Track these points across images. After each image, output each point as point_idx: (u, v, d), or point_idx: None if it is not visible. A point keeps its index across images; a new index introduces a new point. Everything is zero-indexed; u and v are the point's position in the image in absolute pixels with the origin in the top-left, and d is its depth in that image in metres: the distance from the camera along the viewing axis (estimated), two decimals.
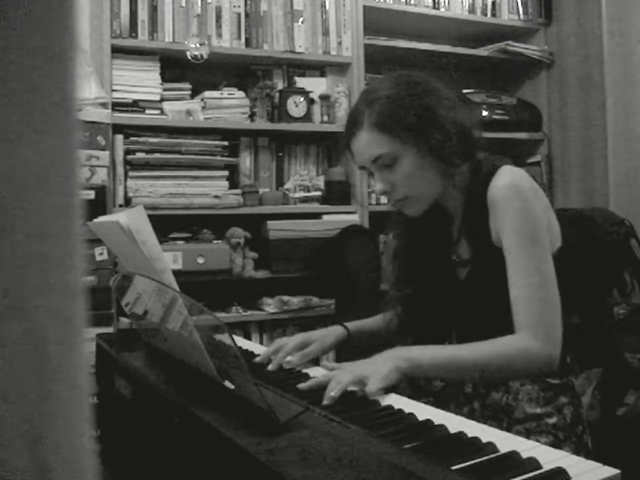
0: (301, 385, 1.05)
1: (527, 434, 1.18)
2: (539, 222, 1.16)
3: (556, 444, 1.16)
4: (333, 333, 1.36)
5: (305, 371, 1.21)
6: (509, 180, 1.17)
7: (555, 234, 1.22)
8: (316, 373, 1.17)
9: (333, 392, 0.97)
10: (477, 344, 1.12)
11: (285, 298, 2.48)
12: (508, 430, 1.19)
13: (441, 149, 1.19)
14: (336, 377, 1.02)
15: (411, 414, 0.91)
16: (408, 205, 1.25)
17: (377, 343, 1.49)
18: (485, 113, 2.89)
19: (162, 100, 2.44)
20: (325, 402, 0.96)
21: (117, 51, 2.34)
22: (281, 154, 2.70)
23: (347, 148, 1.28)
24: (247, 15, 2.56)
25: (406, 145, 1.19)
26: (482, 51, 3.02)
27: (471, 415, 1.25)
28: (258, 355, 1.31)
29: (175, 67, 2.52)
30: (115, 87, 2.34)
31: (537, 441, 1.14)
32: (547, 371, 1.11)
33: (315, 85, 2.70)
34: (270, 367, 1.23)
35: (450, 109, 1.21)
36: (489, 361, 1.09)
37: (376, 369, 1.03)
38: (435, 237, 1.34)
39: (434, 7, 2.89)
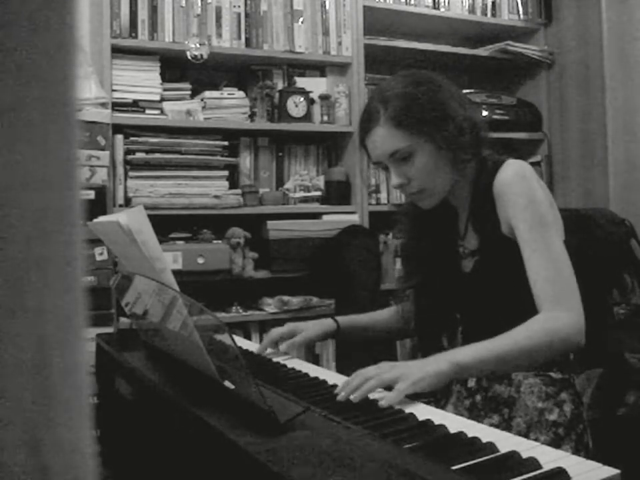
0: (340, 397, 0.99)
1: (527, 428, 1.19)
2: (545, 205, 1.20)
3: (556, 441, 1.17)
4: (321, 324, 1.42)
5: (304, 371, 1.21)
6: (513, 170, 1.22)
7: (559, 225, 1.25)
8: (317, 373, 1.18)
9: (353, 396, 0.97)
10: (511, 332, 1.09)
11: (285, 298, 2.47)
12: (509, 421, 1.20)
13: (454, 143, 1.23)
14: (361, 375, 1.00)
15: (411, 414, 0.91)
16: (423, 197, 1.28)
17: (371, 338, 1.53)
18: (485, 113, 2.88)
19: (162, 100, 2.43)
20: (340, 397, 0.97)
21: (117, 51, 2.34)
22: (281, 154, 2.70)
23: (361, 145, 1.31)
24: (247, 15, 2.55)
25: (421, 140, 1.23)
26: (482, 51, 3.02)
27: (472, 408, 1.26)
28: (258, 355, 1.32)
29: (175, 67, 2.52)
30: (114, 87, 2.34)
31: (537, 437, 1.16)
32: (580, 340, 1.11)
33: (315, 85, 2.69)
34: (256, 350, 1.35)
35: (460, 105, 1.26)
36: (530, 346, 1.08)
37: (408, 373, 1.00)
38: (441, 231, 1.37)
39: (434, 7, 2.89)
